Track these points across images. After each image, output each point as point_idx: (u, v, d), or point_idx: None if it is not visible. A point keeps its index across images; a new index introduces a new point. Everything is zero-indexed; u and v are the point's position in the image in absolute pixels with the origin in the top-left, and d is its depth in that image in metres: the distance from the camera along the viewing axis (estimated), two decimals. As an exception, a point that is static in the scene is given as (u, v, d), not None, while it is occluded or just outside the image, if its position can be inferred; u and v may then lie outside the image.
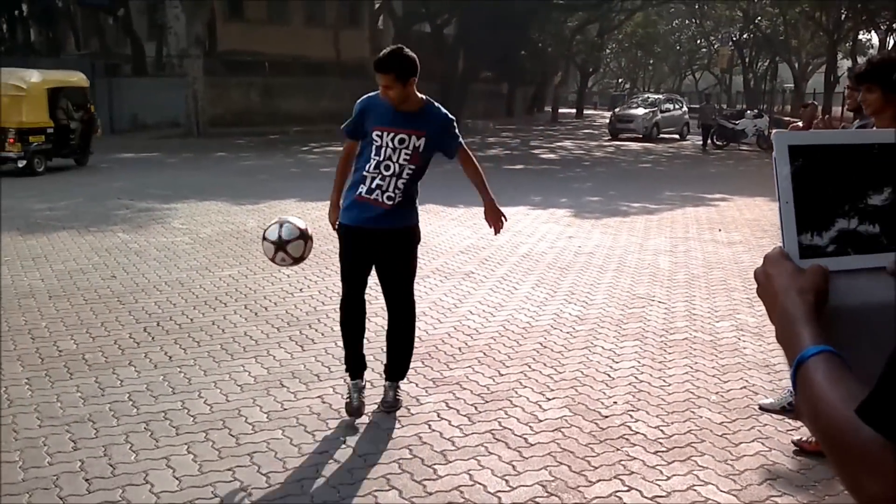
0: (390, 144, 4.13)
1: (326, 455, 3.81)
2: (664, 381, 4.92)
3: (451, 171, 18.23)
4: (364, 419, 4.24)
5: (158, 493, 3.41)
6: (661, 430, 4.19)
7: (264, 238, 4.31)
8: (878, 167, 0.95)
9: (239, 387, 4.66)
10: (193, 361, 5.08)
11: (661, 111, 32.16)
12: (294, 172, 17.02)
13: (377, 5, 38.00)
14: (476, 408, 4.43)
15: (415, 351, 5.34)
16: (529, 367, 5.12)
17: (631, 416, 4.36)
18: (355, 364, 4.41)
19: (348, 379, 4.41)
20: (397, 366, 4.51)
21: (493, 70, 42.16)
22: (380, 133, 4.13)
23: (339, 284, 6.84)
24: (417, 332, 5.73)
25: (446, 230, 10.17)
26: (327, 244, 8.95)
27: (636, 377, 4.97)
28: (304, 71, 33.52)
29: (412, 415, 4.32)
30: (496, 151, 25.01)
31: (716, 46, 54.45)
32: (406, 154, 4.15)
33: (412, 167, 4.20)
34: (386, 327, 4.63)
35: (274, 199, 11.87)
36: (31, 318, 5.91)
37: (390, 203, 4.19)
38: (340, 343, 5.44)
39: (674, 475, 3.70)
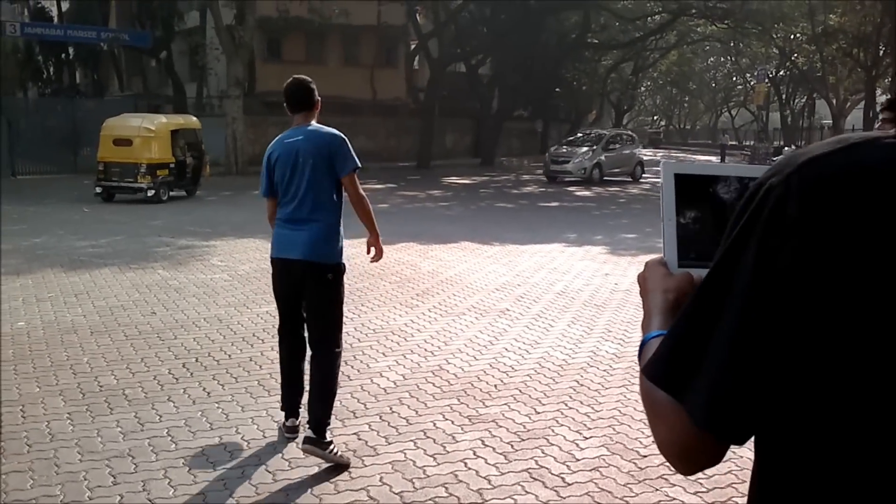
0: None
1: (363, 492, 3.80)
2: (703, 420, 4.84)
3: (485, 209, 18.29)
4: (400, 456, 4.23)
5: (196, 529, 3.42)
6: (702, 472, 4.11)
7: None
8: (741, 195, 1.07)
9: (276, 423, 4.68)
10: (231, 397, 5.12)
11: (605, 149, 27.68)
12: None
13: (413, 46, 38.52)
14: (512, 446, 4.40)
15: (450, 388, 5.36)
16: (566, 405, 5.08)
17: (670, 456, 4.29)
18: None
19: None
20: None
21: (527, 108, 42.44)
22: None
23: (375, 322, 6.87)
24: (453, 370, 5.75)
25: (482, 267, 10.18)
26: (362, 281, 9.01)
27: (675, 416, 4.90)
28: (341, 110, 33.99)
29: (448, 452, 4.30)
30: (531, 189, 25.07)
31: (752, 83, 54.26)
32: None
33: None
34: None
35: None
36: (72, 354, 6.01)
37: None
38: (376, 380, 5.48)
39: (714, 517, 3.64)
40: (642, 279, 1.14)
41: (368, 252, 4.82)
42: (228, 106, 27.06)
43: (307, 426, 4.19)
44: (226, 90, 27.93)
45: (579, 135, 30.37)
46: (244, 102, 27.49)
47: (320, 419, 4.14)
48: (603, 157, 27.32)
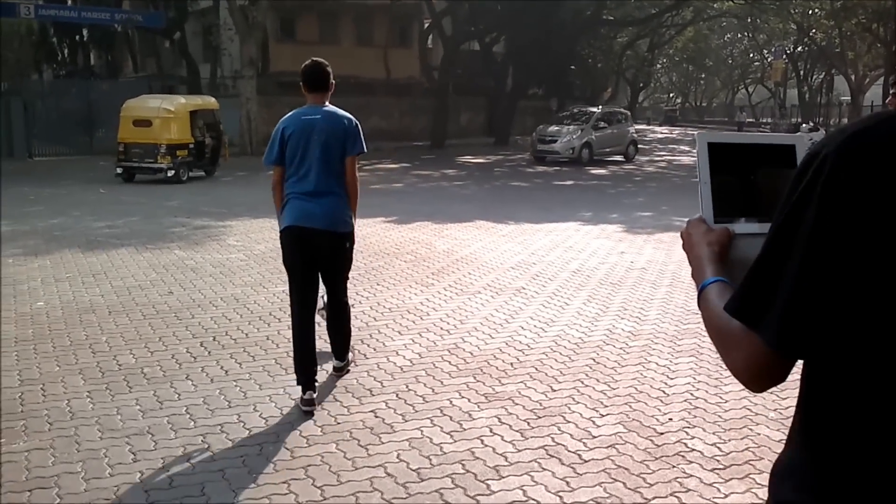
0: None
1: (380, 469, 3.82)
2: (720, 397, 4.83)
3: (500, 188, 18.23)
4: (416, 433, 4.24)
5: (215, 505, 3.45)
6: (718, 448, 4.11)
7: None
8: (772, 160, 1.31)
9: (293, 401, 4.70)
10: (249, 375, 5.15)
11: (595, 128, 26.15)
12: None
13: (426, 25, 38.31)
14: (529, 423, 4.41)
15: (466, 366, 5.37)
16: (582, 382, 5.08)
17: (687, 433, 4.29)
18: None
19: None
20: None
21: (541, 86, 42.17)
22: None
23: (391, 300, 6.88)
24: (469, 348, 5.77)
25: (497, 246, 10.17)
26: (377, 260, 9.02)
27: (692, 393, 4.90)
28: (355, 90, 33.93)
29: (464, 430, 4.31)
30: (545, 167, 24.95)
31: (769, 60, 53.70)
32: None
33: None
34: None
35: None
36: (91, 333, 6.05)
37: None
38: (392, 358, 5.50)
39: (732, 493, 3.63)
40: (686, 235, 1.36)
41: None
42: (242, 86, 27.07)
43: (333, 363, 5.11)
44: (239, 70, 27.92)
45: (568, 112, 28.64)
46: (258, 83, 27.48)
47: (343, 351, 5.09)
48: (593, 136, 25.87)
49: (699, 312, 1.26)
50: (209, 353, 5.61)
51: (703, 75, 73.82)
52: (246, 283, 7.75)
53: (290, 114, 4.79)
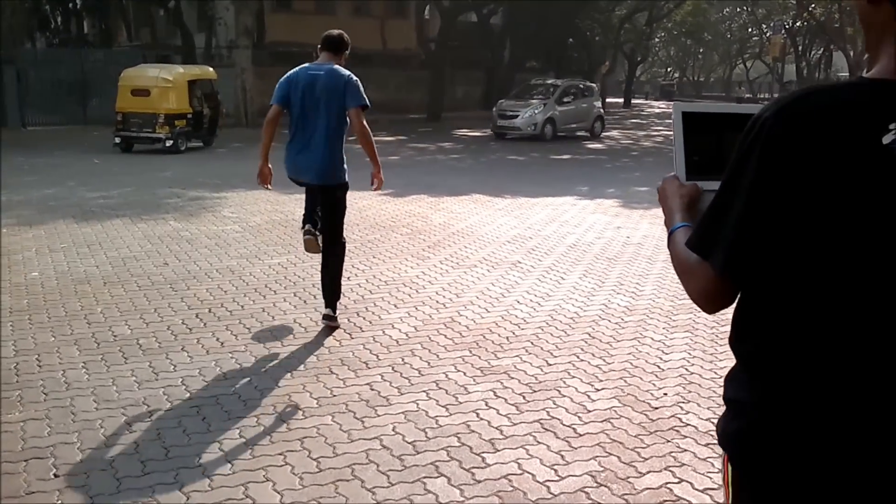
0: None
1: (376, 441, 3.83)
2: (715, 373, 4.85)
3: (495, 162, 18.19)
4: (412, 406, 4.25)
5: (212, 476, 3.46)
6: (713, 423, 4.13)
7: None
8: (737, 128, 1.42)
9: (289, 373, 4.71)
10: (244, 347, 5.15)
11: (559, 103, 24.72)
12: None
13: (424, -5, 37.95)
14: (524, 397, 4.42)
15: (462, 340, 5.38)
16: (578, 357, 5.09)
17: (681, 408, 4.31)
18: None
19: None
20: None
21: (539, 59, 41.89)
22: None
23: (387, 273, 6.89)
24: (465, 322, 5.77)
25: (493, 220, 10.15)
26: (373, 233, 9.00)
27: (687, 369, 4.91)
28: (351, 61, 33.49)
29: (460, 403, 4.32)
30: (541, 141, 24.87)
31: (768, 35, 53.38)
32: None
33: None
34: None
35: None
36: (86, 304, 6.04)
37: None
38: (388, 331, 5.50)
39: (725, 468, 3.65)
40: (661, 190, 1.62)
41: (372, 183, 5.58)
42: (238, 56, 26.84)
43: (324, 312, 5.56)
44: (235, 40, 27.67)
45: (530, 85, 26.97)
46: (253, 53, 27.24)
47: (335, 297, 5.52)
48: (556, 112, 24.41)
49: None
50: (205, 324, 5.60)
51: (701, 50, 73.42)
52: (241, 255, 7.73)
53: (300, 66, 5.34)
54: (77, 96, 25.91)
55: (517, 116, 23.98)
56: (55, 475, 3.45)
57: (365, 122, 5.22)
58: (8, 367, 4.70)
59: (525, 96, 25.57)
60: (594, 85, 27.54)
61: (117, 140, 18.16)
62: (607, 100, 49.33)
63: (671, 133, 1.60)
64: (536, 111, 24.10)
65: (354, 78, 5.20)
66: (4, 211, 10.05)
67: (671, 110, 1.60)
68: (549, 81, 26.85)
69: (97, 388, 4.43)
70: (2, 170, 13.30)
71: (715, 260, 1.33)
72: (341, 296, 5.74)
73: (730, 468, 1.44)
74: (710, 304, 1.40)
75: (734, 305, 1.41)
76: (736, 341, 1.42)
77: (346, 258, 5.70)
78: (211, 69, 20.78)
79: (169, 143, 17.78)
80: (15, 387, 4.41)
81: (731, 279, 1.33)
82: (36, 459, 3.58)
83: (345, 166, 5.37)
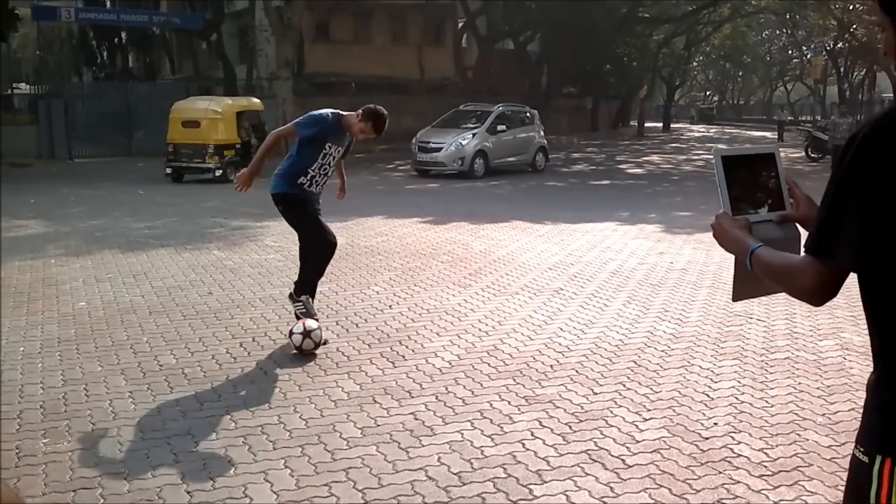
0: (334, 154, 5.84)
1: (421, 472, 3.79)
2: (766, 401, 4.73)
3: (535, 188, 18.14)
4: (457, 436, 4.21)
5: (257, 508, 3.44)
6: (766, 453, 4.02)
7: (291, 332, 5.64)
8: (770, 165, 1.88)
9: (333, 402, 4.69)
10: (288, 377, 5.15)
11: (491, 132, 20.71)
12: (379, 190, 17.23)
13: (461, 24, 38.28)
14: (570, 427, 4.35)
15: (505, 368, 5.33)
16: (624, 385, 5.01)
17: (733, 438, 4.20)
18: (314, 289, 5.99)
19: (307, 298, 5.82)
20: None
21: (576, 85, 41.96)
22: (331, 145, 5.78)
23: (429, 302, 6.86)
24: (508, 350, 5.72)
25: (534, 246, 10.10)
26: (414, 261, 9.00)
27: (737, 397, 4.80)
28: (389, 90, 34.00)
29: (505, 433, 4.27)
30: (581, 167, 24.83)
31: (809, 56, 52.86)
32: (337, 159, 5.95)
33: (334, 167, 6.02)
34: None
35: (361, 217, 12.01)
36: (132, 334, 6.10)
37: (318, 192, 5.95)
38: (431, 360, 5.47)
39: (781, 500, 3.55)
40: (717, 225, 1.80)
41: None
42: (278, 87, 27.20)
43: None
44: (275, 72, 28.07)
45: (457, 112, 22.52)
46: (293, 84, 27.62)
47: (296, 286, 5.93)
48: (489, 143, 20.48)
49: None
50: (249, 353, 5.62)
51: (740, 73, 72.87)
52: (284, 284, 7.76)
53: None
54: (122, 129, 26.49)
55: (440, 149, 19.96)
56: (103, 506, 3.46)
57: (277, 130, 6.04)
58: (56, 397, 4.75)
59: (453, 125, 21.49)
60: (534, 111, 23.21)
61: (168, 171, 18.63)
62: (646, 124, 49.25)
63: (712, 157, 1.82)
64: (463, 142, 20.05)
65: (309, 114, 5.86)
66: (52, 242, 10.25)
67: (711, 155, 1.86)
68: (482, 107, 22.31)
69: (143, 418, 4.46)
70: (40, 202, 13.57)
71: (842, 256, 1.50)
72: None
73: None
74: (822, 297, 1.57)
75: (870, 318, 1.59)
76: (882, 345, 1.56)
77: (388, 286, 5.76)
78: (257, 100, 21.23)
79: (218, 173, 18.18)
80: (63, 416, 4.45)
81: (861, 269, 1.52)
82: (84, 490, 3.60)
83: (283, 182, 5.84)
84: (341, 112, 5.88)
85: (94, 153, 25.51)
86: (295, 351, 5.55)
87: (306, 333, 5.52)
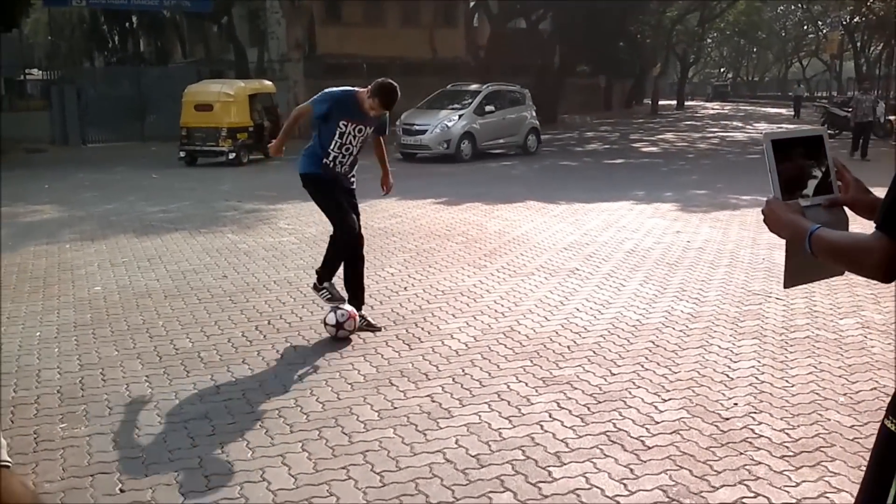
0: (353, 133, 5.63)
1: (439, 455, 3.76)
2: (787, 381, 4.68)
3: (549, 168, 18.04)
4: (474, 418, 4.18)
5: (275, 491, 3.43)
6: (787, 434, 3.97)
7: (325, 323, 5.58)
8: (818, 147, 1.77)
9: (349, 385, 4.68)
10: (304, 359, 5.14)
11: (479, 113, 19.65)
12: (392, 171, 17.15)
13: (472, 4, 37.99)
14: (589, 408, 4.31)
15: (522, 349, 5.30)
16: (642, 366, 4.96)
17: (753, 419, 4.16)
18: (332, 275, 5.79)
19: (329, 284, 5.70)
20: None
21: (589, 63, 41.63)
22: (346, 123, 5.59)
23: (444, 283, 6.82)
24: (524, 331, 5.69)
25: (549, 227, 10.03)
26: (429, 242, 8.96)
27: (756, 377, 4.75)
28: (401, 71, 33.76)
29: (523, 415, 4.24)
30: (595, 146, 24.66)
31: (824, 31, 52.19)
32: (361, 139, 5.70)
33: (360, 146, 5.75)
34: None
35: (374, 199, 11.94)
36: (148, 318, 6.10)
37: (346, 173, 5.81)
38: (447, 342, 5.44)
39: (803, 481, 3.50)
40: (769, 210, 1.74)
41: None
42: (289, 70, 27.13)
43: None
44: (286, 54, 27.99)
45: (444, 92, 21.23)
46: (304, 66, 27.53)
47: (318, 273, 5.77)
48: (476, 125, 19.47)
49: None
50: (265, 336, 5.61)
51: (755, 49, 72.16)
52: (298, 266, 7.76)
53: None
54: (135, 113, 26.48)
55: (425, 132, 19.02)
56: (121, 490, 3.46)
57: (295, 109, 6.18)
58: (73, 382, 4.75)
59: (439, 105, 20.36)
60: (526, 91, 21.77)
61: (182, 154, 18.69)
62: (660, 102, 48.85)
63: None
64: (449, 124, 19.08)
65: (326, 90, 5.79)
66: (67, 227, 10.27)
67: (761, 139, 1.87)
68: (472, 87, 21.27)
69: (160, 401, 4.45)
70: (53, 187, 13.60)
71: None
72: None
73: None
74: (891, 274, 1.54)
75: None
76: None
77: (402, 267, 5.70)
78: (269, 83, 21.20)
79: (231, 156, 18.25)
80: (81, 401, 4.46)
81: None
82: (102, 475, 3.59)
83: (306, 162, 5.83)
84: (358, 89, 5.72)
85: (107, 138, 25.54)
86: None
87: (339, 326, 5.48)
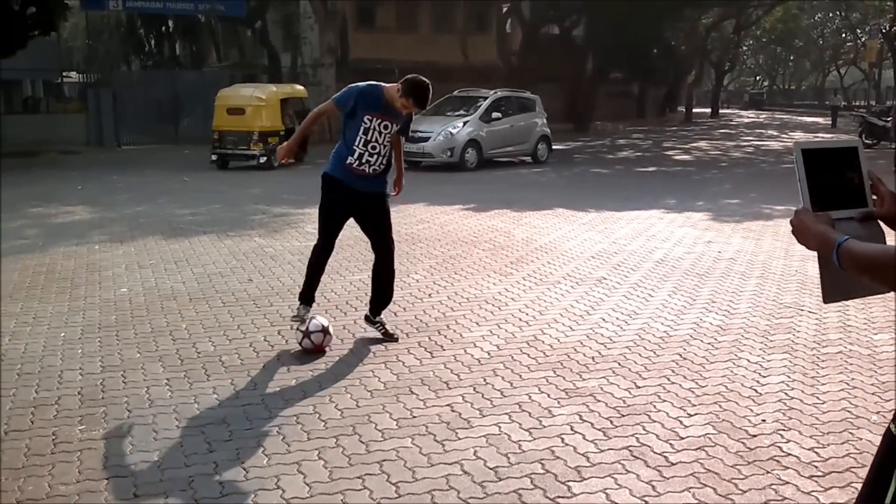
0: (379, 130, 5.39)
1: (456, 466, 3.70)
2: (817, 398, 4.55)
3: (580, 175, 17.95)
4: (494, 430, 4.11)
5: (289, 499, 3.38)
6: (816, 453, 3.85)
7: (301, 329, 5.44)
8: (852, 159, 1.70)
9: (369, 392, 4.63)
10: (325, 366, 5.10)
11: (486, 120, 19.03)
12: (418, 175, 17.14)
13: (505, 10, 37.92)
14: (612, 422, 4.22)
15: (546, 359, 5.21)
16: (668, 379, 4.85)
17: (782, 436, 4.04)
18: (310, 297, 5.73)
19: (301, 306, 5.66)
20: (381, 299, 5.71)
21: (622, 70, 41.35)
22: (371, 118, 5.36)
23: (468, 290, 6.75)
24: (548, 341, 5.60)
25: (576, 235, 9.93)
26: (454, 249, 8.90)
27: (786, 393, 4.62)
28: (433, 76, 33.55)
29: (544, 427, 4.15)
30: (627, 153, 24.48)
31: (863, 39, 51.40)
32: (388, 136, 5.44)
33: (388, 144, 5.48)
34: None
35: (402, 204, 11.95)
36: (172, 320, 6.11)
37: (374, 174, 5.50)
38: (469, 350, 5.37)
39: (832, 503, 3.38)
40: (798, 221, 1.68)
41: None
42: (322, 74, 27.26)
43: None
44: (319, 59, 28.13)
45: (450, 98, 20.47)
46: (337, 71, 27.64)
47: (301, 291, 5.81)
48: (483, 132, 18.85)
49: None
50: (286, 341, 5.58)
51: (791, 57, 71.25)
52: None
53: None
54: (169, 116, 26.78)
55: (429, 139, 18.18)
56: (135, 494, 3.43)
57: (318, 107, 5.93)
58: (94, 384, 4.75)
59: (444, 111, 19.58)
60: (536, 97, 21.06)
61: (214, 157, 18.82)
62: (694, 110, 48.41)
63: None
64: (453, 131, 18.43)
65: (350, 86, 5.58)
66: (98, 228, 10.36)
67: (791, 148, 1.77)
68: (476, 92, 20.59)
69: (179, 405, 4.43)
70: (81, 189, 13.75)
71: None
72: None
73: None
74: None
75: None
76: None
77: (428, 274, 5.65)
78: (301, 87, 21.33)
79: (263, 160, 18.25)
80: (101, 403, 4.45)
81: None
82: (117, 478, 3.57)
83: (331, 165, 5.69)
84: (383, 84, 5.47)
85: (142, 140, 25.85)
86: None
87: (306, 334, 5.33)
